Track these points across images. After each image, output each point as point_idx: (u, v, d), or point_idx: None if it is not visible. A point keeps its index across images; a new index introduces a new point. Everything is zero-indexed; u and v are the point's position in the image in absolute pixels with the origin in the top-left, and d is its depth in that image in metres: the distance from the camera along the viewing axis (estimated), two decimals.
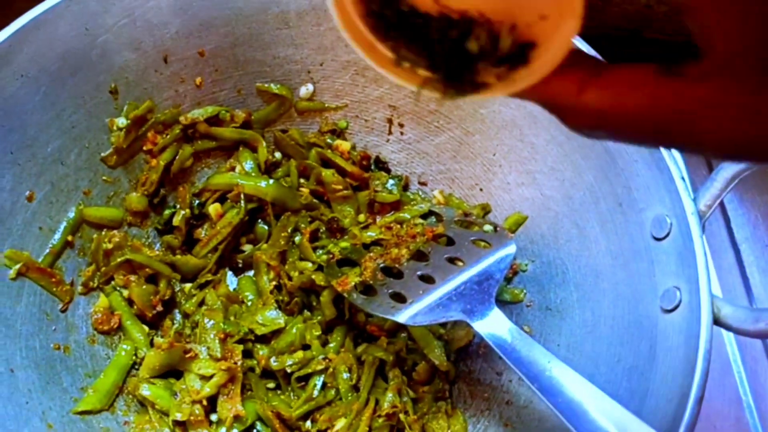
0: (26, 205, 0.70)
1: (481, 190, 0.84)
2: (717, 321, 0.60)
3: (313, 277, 0.78)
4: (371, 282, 0.74)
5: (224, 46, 0.79)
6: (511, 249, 0.72)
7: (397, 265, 0.75)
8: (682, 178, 0.64)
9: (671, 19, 1.07)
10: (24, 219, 0.70)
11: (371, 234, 0.80)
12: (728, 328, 0.60)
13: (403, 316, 0.69)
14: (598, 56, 0.67)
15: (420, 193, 0.87)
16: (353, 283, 0.74)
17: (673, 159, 0.65)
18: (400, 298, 0.71)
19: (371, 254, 0.77)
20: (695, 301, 0.60)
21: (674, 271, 0.64)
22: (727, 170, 0.64)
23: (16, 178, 0.69)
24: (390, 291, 0.72)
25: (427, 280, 0.72)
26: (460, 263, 0.72)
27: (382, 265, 0.75)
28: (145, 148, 0.79)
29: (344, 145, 0.85)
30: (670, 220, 0.64)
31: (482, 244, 0.74)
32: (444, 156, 0.85)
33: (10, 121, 0.67)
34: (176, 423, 0.70)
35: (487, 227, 0.77)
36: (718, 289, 0.96)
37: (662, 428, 0.56)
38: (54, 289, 0.71)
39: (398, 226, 0.80)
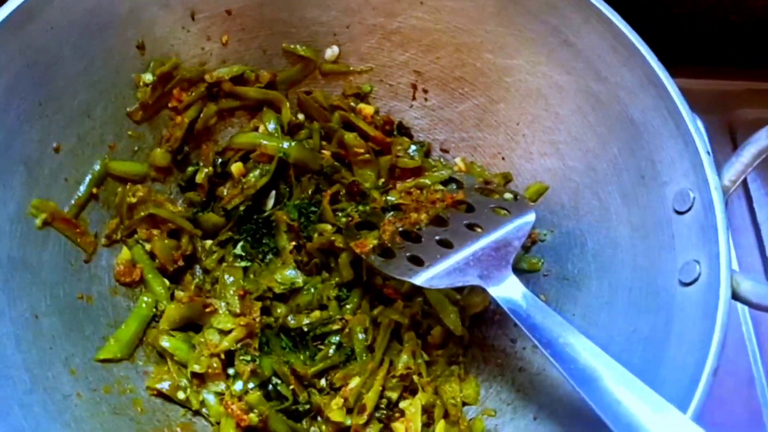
0: (53, 157, 0.71)
1: (503, 158, 0.84)
2: (735, 296, 0.59)
3: (333, 239, 0.78)
4: (389, 245, 0.74)
5: (251, 5, 0.79)
6: (530, 217, 0.72)
7: (415, 229, 0.75)
8: (708, 153, 0.64)
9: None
10: (51, 170, 0.71)
11: (391, 198, 0.80)
12: (747, 303, 0.60)
13: (420, 278, 0.69)
14: None
15: (442, 160, 0.87)
16: (371, 246, 0.75)
17: (699, 133, 0.64)
18: (417, 261, 0.71)
19: (390, 218, 0.78)
20: (714, 275, 0.60)
21: (695, 244, 0.63)
22: (754, 146, 0.63)
23: (44, 129, 0.69)
24: (408, 254, 0.72)
25: (446, 244, 0.72)
26: (479, 229, 0.72)
27: (401, 229, 0.76)
28: (170, 105, 0.80)
29: (368, 109, 0.85)
30: (693, 194, 0.64)
31: (502, 212, 0.74)
32: (467, 123, 0.85)
33: (39, 72, 0.68)
34: (194, 375, 0.72)
35: (508, 195, 0.77)
36: (737, 268, 0.95)
37: (675, 398, 0.57)
38: (78, 239, 0.73)
39: (418, 191, 0.81)
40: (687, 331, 0.61)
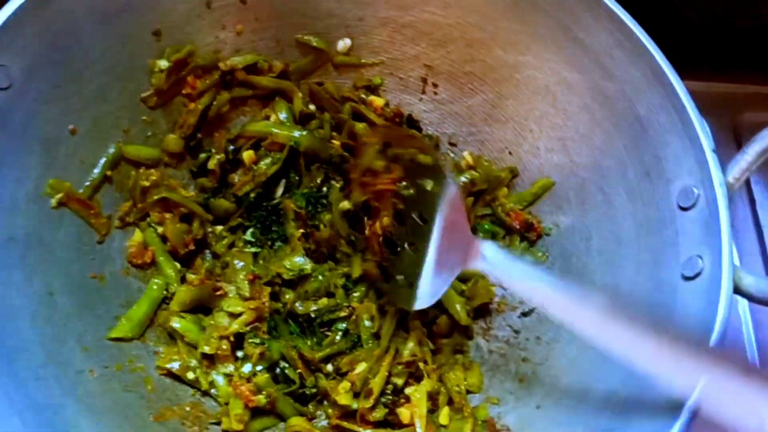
0: (69, 138, 0.72)
1: (510, 153, 0.85)
2: (737, 290, 0.61)
3: (344, 249, 0.81)
4: (385, 263, 0.77)
5: None
6: (453, 190, 0.70)
7: (390, 234, 0.76)
8: (713, 150, 0.65)
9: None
10: (66, 151, 0.72)
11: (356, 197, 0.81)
12: (748, 297, 0.61)
13: (418, 304, 0.71)
14: None
15: (449, 153, 0.88)
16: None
17: (705, 130, 0.65)
18: (409, 282, 0.73)
19: (369, 226, 0.78)
20: (717, 270, 0.61)
21: (698, 240, 0.64)
22: (759, 144, 0.65)
23: (60, 111, 0.70)
24: (400, 277, 0.74)
25: (413, 245, 0.73)
26: (424, 219, 0.72)
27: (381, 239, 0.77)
28: (183, 91, 0.81)
29: (378, 101, 0.87)
30: (698, 191, 0.65)
31: (429, 186, 0.72)
32: (476, 118, 0.86)
33: (57, 55, 0.69)
34: (204, 356, 0.73)
35: (424, 158, 0.75)
36: None
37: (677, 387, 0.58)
38: (92, 220, 0.74)
39: (371, 177, 0.78)
40: (689, 324, 0.62)
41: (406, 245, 0.74)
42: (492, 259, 0.65)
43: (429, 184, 0.72)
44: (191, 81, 0.81)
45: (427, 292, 0.71)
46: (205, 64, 0.81)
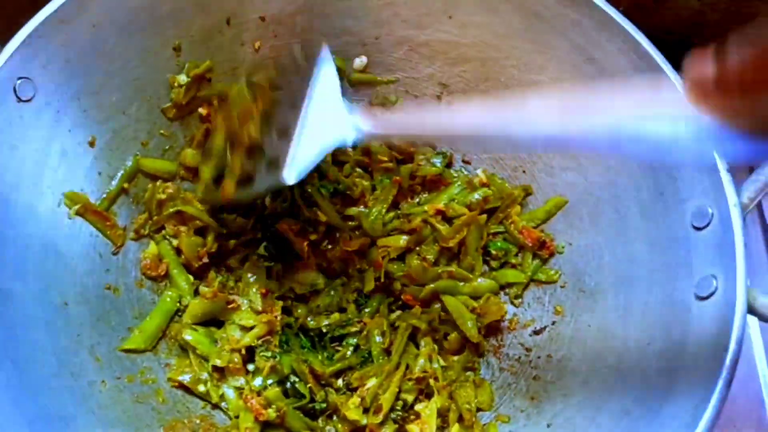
0: (88, 150, 0.73)
1: (524, 172, 0.85)
2: (752, 310, 0.60)
3: (358, 266, 0.81)
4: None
5: (285, 12, 0.81)
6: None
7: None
8: (727, 170, 0.65)
9: (723, 27, 1.06)
10: (85, 163, 0.73)
11: None
12: (763, 317, 0.61)
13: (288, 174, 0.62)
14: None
15: (463, 171, 0.89)
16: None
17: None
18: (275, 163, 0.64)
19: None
20: (731, 290, 0.60)
21: (712, 260, 0.64)
22: None
23: (80, 122, 0.71)
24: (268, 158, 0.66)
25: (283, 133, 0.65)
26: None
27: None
28: (200, 110, 0.82)
29: None
30: (712, 210, 0.65)
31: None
32: None
33: (80, 67, 0.70)
34: (215, 369, 0.73)
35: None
36: None
37: (689, 409, 0.58)
38: (108, 232, 0.75)
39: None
40: (703, 343, 0.62)
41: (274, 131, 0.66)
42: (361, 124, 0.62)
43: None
44: (204, 111, 0.82)
45: (298, 159, 0.62)
46: (221, 93, 0.81)
